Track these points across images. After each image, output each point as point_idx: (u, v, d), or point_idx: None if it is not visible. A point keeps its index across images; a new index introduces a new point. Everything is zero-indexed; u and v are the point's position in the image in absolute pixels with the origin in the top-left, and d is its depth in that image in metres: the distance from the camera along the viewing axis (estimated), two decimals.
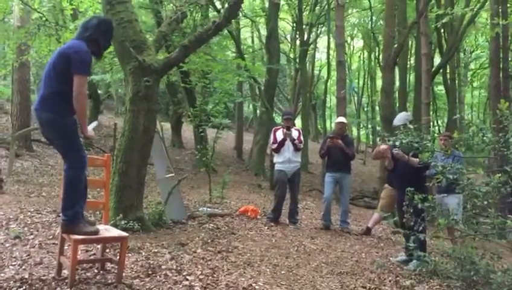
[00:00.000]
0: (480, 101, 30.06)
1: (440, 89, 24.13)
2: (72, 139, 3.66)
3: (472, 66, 28.23)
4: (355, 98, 28.84)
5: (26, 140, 11.99)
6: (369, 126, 31.08)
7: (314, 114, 28.78)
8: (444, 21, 8.76)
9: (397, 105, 14.03)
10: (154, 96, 5.66)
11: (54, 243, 4.84)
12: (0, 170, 7.80)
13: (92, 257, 4.53)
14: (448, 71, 18.55)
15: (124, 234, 4.01)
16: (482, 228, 4.07)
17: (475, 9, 11.66)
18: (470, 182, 3.75)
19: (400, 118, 5.97)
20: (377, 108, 33.20)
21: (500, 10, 10.18)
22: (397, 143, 4.04)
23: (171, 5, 12.51)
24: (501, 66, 10.75)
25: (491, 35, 9.31)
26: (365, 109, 33.86)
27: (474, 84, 29.66)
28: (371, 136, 30.68)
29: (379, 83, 31.93)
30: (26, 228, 5.30)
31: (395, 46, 10.17)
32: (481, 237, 4.12)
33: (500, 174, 3.89)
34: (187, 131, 19.74)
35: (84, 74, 3.55)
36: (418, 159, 5.25)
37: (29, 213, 5.99)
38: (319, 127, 30.60)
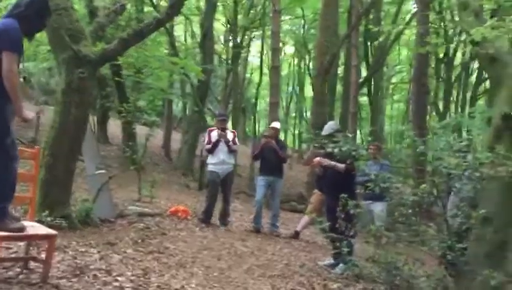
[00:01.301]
0: (399, 113, 31.71)
1: (364, 99, 25.28)
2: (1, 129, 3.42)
3: (393, 79, 29.75)
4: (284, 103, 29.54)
5: None
6: (296, 132, 31.88)
7: (243, 117, 29.01)
8: (380, 40, 9.15)
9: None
10: (88, 88, 5.43)
11: None
12: None
13: (13, 255, 4.26)
14: (372, 83, 19.48)
15: (53, 231, 3.81)
16: (407, 235, 4.30)
17: (402, 27, 12.33)
18: (400, 191, 3.96)
19: (327, 128, 6.17)
20: (304, 114, 34.22)
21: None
22: (336, 150, 4.19)
23: None
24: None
25: (416, 53, 9.89)
26: (293, 115, 34.69)
27: (395, 97, 31.26)
28: (296, 142, 31.41)
29: (307, 90, 32.95)
30: None
31: (328, 56, 10.50)
32: (406, 243, 4.35)
33: (425, 185, 4.15)
34: (113, 126, 19.12)
35: (13, 50, 3.31)
36: (343, 165, 5.47)
37: None
38: (247, 130, 30.86)
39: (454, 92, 20.90)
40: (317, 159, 5.94)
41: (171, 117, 21.63)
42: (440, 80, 19.35)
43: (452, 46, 17.12)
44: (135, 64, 9.28)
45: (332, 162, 5.59)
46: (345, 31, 15.98)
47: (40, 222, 4.60)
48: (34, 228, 3.72)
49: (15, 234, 3.50)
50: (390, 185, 3.98)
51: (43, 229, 3.79)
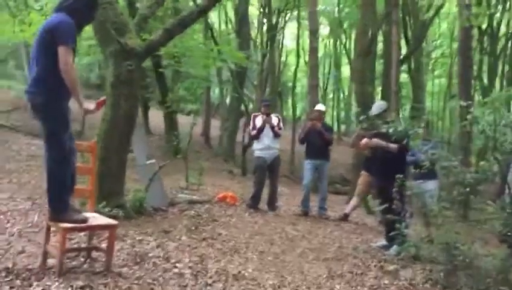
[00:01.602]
0: (440, 89, 30.79)
1: (404, 77, 24.66)
2: (59, 125, 3.50)
3: (433, 54, 28.87)
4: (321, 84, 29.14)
5: None
6: (335, 113, 31.51)
7: (280, 100, 28.85)
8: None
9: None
10: (136, 80, 5.51)
11: (33, 231, 4.69)
12: None
13: (75, 245, 4.41)
14: (412, 60, 18.93)
15: (113, 221, 3.92)
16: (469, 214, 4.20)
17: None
18: (461, 170, 3.84)
19: (376, 107, 6.05)
20: (341, 95, 33.75)
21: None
22: (391, 130, 4.10)
23: None
24: None
25: (461, 26, 9.53)
26: (330, 96, 34.30)
27: (435, 73, 30.36)
28: (336, 123, 31.04)
29: (344, 70, 32.44)
30: (2, 216, 5.09)
31: (368, 35, 10.28)
32: (466, 222, 4.24)
33: (484, 162, 4.02)
34: (152, 116, 19.42)
35: (68, 44, 3.37)
36: (396, 145, 5.36)
37: (3, 201, 5.74)
38: (284, 113, 30.72)
39: (500, 65, 20.06)
40: (365, 140, 5.84)
41: (210, 104, 21.76)
42: (484, 52, 18.60)
43: (496, 16, 16.43)
44: (178, 54, 9.32)
45: (384, 142, 5.48)
46: (382, 7, 15.69)
47: (98, 212, 4.75)
48: (95, 218, 3.83)
49: (79, 225, 3.63)
50: (450, 163, 3.87)
51: (103, 220, 3.89)
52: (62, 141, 3.51)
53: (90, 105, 3.64)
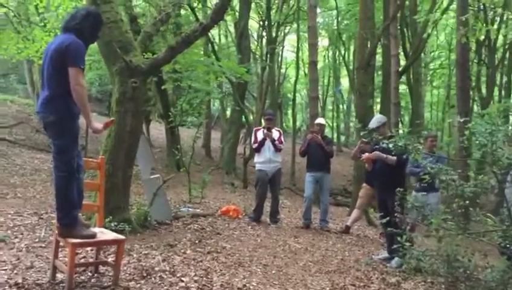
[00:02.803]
0: (439, 100, 30.96)
1: (403, 88, 24.81)
2: (68, 143, 3.60)
3: (431, 65, 29.05)
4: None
5: None
6: (334, 124, 31.64)
7: (280, 112, 28.99)
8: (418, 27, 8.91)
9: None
10: (141, 97, 5.62)
11: (41, 246, 4.77)
12: None
13: (82, 260, 4.49)
14: (411, 71, 19.08)
15: (121, 236, 4.00)
16: (465, 227, 4.28)
17: (440, 14, 12.02)
18: (460, 183, 3.94)
19: (374, 121, 6.14)
20: (341, 106, 33.90)
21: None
22: (391, 146, 4.20)
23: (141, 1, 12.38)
24: None
25: (459, 39, 9.64)
26: (329, 108, 34.44)
27: (434, 84, 30.54)
28: (335, 135, 31.17)
29: (343, 82, 32.63)
30: (9, 231, 5.17)
31: (369, 47, 10.44)
32: (466, 235, 4.32)
33: (483, 176, 4.11)
34: (153, 129, 19.55)
35: (78, 65, 3.48)
36: (394, 158, 5.46)
37: (9, 216, 5.83)
38: (284, 125, 30.85)
39: (498, 76, 20.19)
40: (366, 155, 5.93)
41: (210, 117, 21.90)
42: (482, 63, 18.75)
43: (493, 28, 16.60)
44: (180, 70, 9.45)
45: (383, 155, 5.58)
46: (380, 20, 15.86)
47: (104, 227, 4.84)
48: (103, 233, 3.91)
49: (88, 240, 3.71)
50: (448, 177, 3.97)
51: (111, 235, 3.98)
52: (71, 158, 3.61)
53: (99, 125, 3.74)
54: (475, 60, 18.33)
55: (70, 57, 3.47)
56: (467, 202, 4.19)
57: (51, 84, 3.52)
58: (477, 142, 3.68)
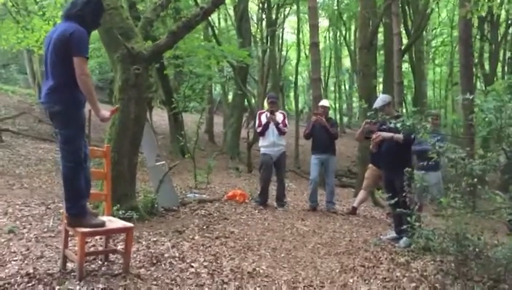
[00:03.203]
0: (442, 77, 30.74)
1: (405, 67, 24.62)
2: (75, 133, 3.58)
3: (433, 43, 28.79)
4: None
5: None
6: (336, 105, 31.50)
7: (282, 95, 28.90)
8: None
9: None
10: (144, 84, 5.58)
11: (50, 236, 4.78)
12: None
13: (92, 249, 4.50)
14: (413, 49, 18.91)
15: (129, 224, 4.00)
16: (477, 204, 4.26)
17: None
18: (469, 162, 3.91)
19: (379, 100, 6.09)
20: (343, 87, 33.76)
21: None
22: (398, 125, 4.16)
23: None
24: None
25: (463, 15, 9.51)
26: (331, 88, 34.30)
27: (436, 62, 30.30)
28: (337, 116, 31.08)
29: (345, 62, 32.44)
30: (17, 222, 5.19)
31: (371, 27, 10.33)
32: (474, 213, 4.31)
33: (492, 153, 4.08)
34: (155, 116, 19.52)
35: (83, 54, 3.45)
36: (401, 135, 5.41)
37: (17, 206, 5.85)
38: (286, 108, 30.77)
39: (501, 52, 20.02)
40: (376, 137, 5.83)
41: (212, 101, 21.83)
42: (485, 39, 18.56)
43: (496, 3, 16.39)
44: (183, 55, 9.38)
45: (390, 134, 5.54)
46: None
47: (112, 215, 4.84)
48: (111, 222, 3.92)
49: (98, 229, 3.71)
50: (457, 155, 3.93)
51: (120, 223, 3.97)
52: (78, 148, 3.59)
53: (106, 113, 3.71)
54: (477, 36, 18.16)
55: (75, 45, 3.43)
56: (475, 180, 4.17)
57: (55, 74, 3.49)
58: (486, 119, 3.64)
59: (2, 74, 23.57)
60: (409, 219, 4.47)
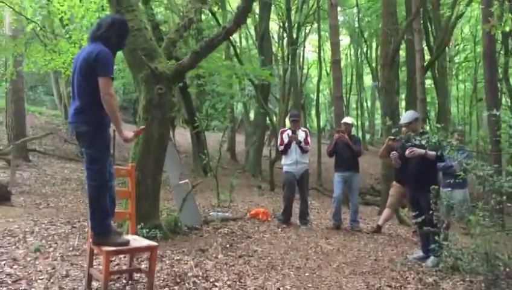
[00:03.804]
0: (465, 93, 30.34)
1: (428, 83, 24.39)
2: (101, 153, 3.63)
3: (456, 59, 28.52)
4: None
5: (23, 150, 11.85)
6: (358, 123, 31.32)
7: (303, 113, 28.90)
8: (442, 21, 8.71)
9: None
10: (167, 103, 5.64)
11: (75, 255, 4.81)
12: (8, 183, 7.71)
13: (116, 267, 4.52)
14: (436, 65, 18.75)
15: (154, 243, 4.00)
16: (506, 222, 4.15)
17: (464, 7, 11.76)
18: (498, 179, 3.82)
19: (406, 116, 6.02)
20: (365, 104, 33.56)
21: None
22: (424, 142, 4.10)
23: (163, 8, 12.49)
24: None
25: (487, 30, 9.41)
26: (353, 106, 34.14)
27: (460, 77, 29.95)
28: (360, 133, 30.86)
29: (366, 79, 32.31)
30: (43, 241, 5.25)
31: (392, 43, 10.29)
32: (507, 232, 4.20)
33: None
34: (178, 134, 19.69)
35: (108, 75, 3.51)
36: (434, 152, 5.30)
37: (43, 225, 5.93)
38: (308, 125, 30.73)
39: None
40: (413, 150, 5.69)
41: (234, 120, 21.95)
42: (509, 54, 18.28)
43: None
44: (205, 74, 9.50)
45: (422, 150, 5.42)
46: (402, 15, 15.64)
47: (136, 234, 4.87)
48: (135, 240, 3.93)
49: (122, 248, 3.73)
50: (485, 172, 3.85)
51: (144, 242, 3.98)
52: (103, 167, 3.64)
53: (129, 133, 3.76)
54: (502, 51, 17.92)
55: (100, 66, 3.50)
56: (504, 197, 4.07)
57: (81, 95, 3.56)
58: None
59: (30, 96, 24.19)
60: (436, 237, 4.37)
